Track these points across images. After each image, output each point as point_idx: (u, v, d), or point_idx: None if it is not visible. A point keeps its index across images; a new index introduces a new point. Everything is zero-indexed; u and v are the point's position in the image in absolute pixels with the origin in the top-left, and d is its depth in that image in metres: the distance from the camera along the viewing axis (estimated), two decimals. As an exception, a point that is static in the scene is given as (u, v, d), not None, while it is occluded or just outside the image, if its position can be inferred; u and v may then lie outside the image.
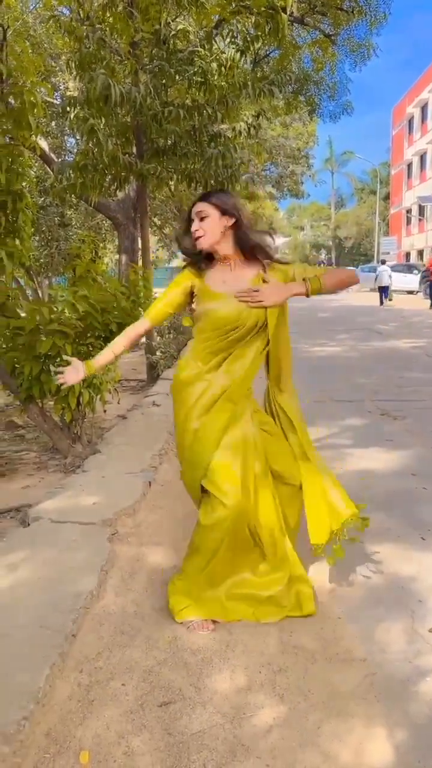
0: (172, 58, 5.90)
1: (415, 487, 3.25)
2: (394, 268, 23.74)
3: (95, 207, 10.31)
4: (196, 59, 5.90)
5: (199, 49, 6.06)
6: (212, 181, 6.48)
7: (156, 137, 6.23)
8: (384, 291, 19.56)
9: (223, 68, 6.35)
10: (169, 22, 6.51)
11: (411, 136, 38.57)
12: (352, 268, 38.78)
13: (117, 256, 13.14)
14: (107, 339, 3.76)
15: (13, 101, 3.74)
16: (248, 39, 6.41)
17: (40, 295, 11.42)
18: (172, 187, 7.30)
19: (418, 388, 5.90)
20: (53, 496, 3.01)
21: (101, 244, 14.78)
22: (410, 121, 38.63)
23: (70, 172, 6.20)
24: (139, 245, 8.45)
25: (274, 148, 21.22)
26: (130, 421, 4.65)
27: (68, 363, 2.07)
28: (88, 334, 3.70)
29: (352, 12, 10.08)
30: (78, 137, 7.31)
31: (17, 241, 3.80)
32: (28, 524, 2.74)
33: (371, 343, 9.81)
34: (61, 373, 2.01)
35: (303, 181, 25.48)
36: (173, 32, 6.13)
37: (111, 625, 2.02)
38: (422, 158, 36.64)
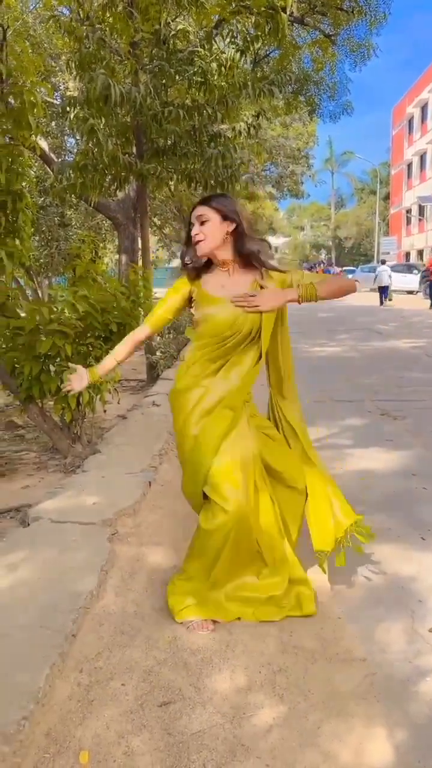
0: (172, 58, 5.90)
1: (415, 487, 3.25)
2: (393, 268, 23.73)
3: (95, 207, 10.32)
4: (196, 59, 5.90)
5: (199, 49, 6.06)
6: (212, 181, 6.48)
7: (156, 137, 6.23)
8: (384, 291, 19.55)
9: (223, 68, 6.35)
10: (169, 22, 6.51)
11: (411, 136, 38.58)
12: (352, 268, 38.97)
13: (117, 256, 13.14)
14: (107, 339, 3.77)
15: (13, 101, 3.74)
16: (248, 39, 6.41)
17: (40, 295, 11.42)
18: (172, 187, 7.29)
19: (418, 388, 5.90)
20: (53, 496, 3.00)
21: (101, 244, 14.79)
22: (410, 121, 38.64)
23: (70, 172, 6.20)
24: (139, 245, 8.46)
25: (274, 148, 21.22)
26: (130, 421, 4.65)
27: (74, 370, 2.11)
28: (88, 334, 3.70)
29: (352, 12, 10.08)
30: (78, 137, 7.31)
31: (17, 241, 3.79)
32: (28, 524, 2.73)
33: (371, 343, 9.81)
34: (66, 370, 2.05)
35: (303, 181, 25.51)
36: (173, 32, 6.13)
37: (111, 625, 2.02)
38: (422, 158, 36.65)
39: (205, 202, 1.96)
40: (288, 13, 6.06)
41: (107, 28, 5.91)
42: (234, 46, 6.45)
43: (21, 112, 3.63)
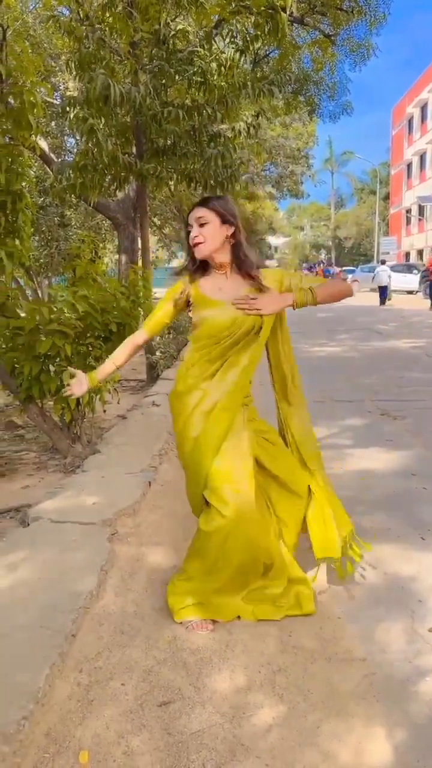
0: (171, 58, 5.90)
1: (415, 487, 3.25)
2: (393, 268, 23.72)
3: (95, 207, 10.30)
4: (195, 59, 5.90)
5: (199, 49, 6.06)
6: (212, 181, 6.48)
7: (156, 137, 6.22)
8: (383, 291, 19.54)
9: (222, 68, 6.35)
10: (169, 22, 6.50)
11: (411, 136, 38.58)
12: (351, 268, 38.96)
13: (117, 256, 13.13)
14: (107, 339, 3.77)
15: (12, 101, 3.74)
16: (248, 39, 6.41)
17: (40, 295, 11.42)
18: (172, 187, 7.29)
19: (418, 388, 5.90)
20: (53, 496, 3.00)
21: (101, 244, 14.77)
22: (410, 121, 38.63)
23: (70, 172, 6.20)
24: (139, 245, 8.45)
25: (273, 148, 21.22)
26: (129, 421, 4.65)
27: (73, 375, 2.11)
28: (88, 334, 3.70)
29: (352, 12, 10.07)
30: (77, 137, 7.31)
31: (17, 241, 3.79)
32: (28, 524, 2.73)
33: (371, 343, 9.81)
34: (65, 370, 2.05)
35: (303, 181, 25.50)
36: (173, 32, 6.12)
37: (111, 625, 2.02)
38: (422, 158, 36.65)
39: (204, 203, 1.95)
40: (288, 13, 6.05)
41: (107, 28, 5.91)
42: (234, 46, 6.45)
43: (21, 112, 3.63)
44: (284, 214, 61.43)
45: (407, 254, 38.44)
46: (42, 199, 10.73)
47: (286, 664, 1.83)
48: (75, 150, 10.81)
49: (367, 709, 1.63)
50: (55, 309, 3.54)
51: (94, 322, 3.65)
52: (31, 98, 3.59)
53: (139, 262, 7.81)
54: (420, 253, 36.11)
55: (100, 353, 3.70)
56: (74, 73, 5.84)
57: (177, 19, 7.18)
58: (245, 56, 6.76)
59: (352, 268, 40.20)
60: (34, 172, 9.15)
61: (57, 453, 4.01)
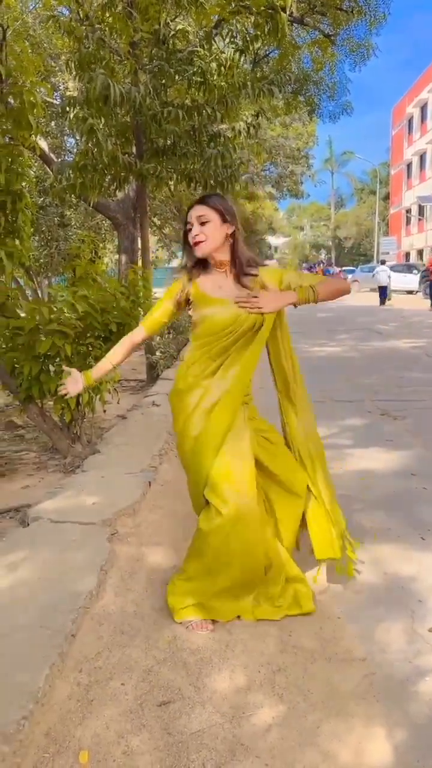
0: (171, 58, 5.90)
1: (415, 487, 3.25)
2: (393, 268, 23.73)
3: (95, 207, 10.32)
4: (195, 59, 5.90)
5: (199, 49, 6.06)
6: (212, 181, 6.48)
7: (155, 137, 6.23)
8: (383, 291, 19.56)
9: (222, 68, 6.35)
10: (169, 22, 6.51)
11: (411, 136, 38.58)
12: (351, 268, 38.98)
13: (117, 256, 13.14)
14: (107, 339, 3.76)
15: (12, 101, 3.74)
16: (248, 39, 6.42)
17: (40, 295, 11.42)
18: (172, 187, 7.29)
19: (418, 388, 5.90)
20: (53, 496, 3.01)
21: (101, 244, 14.77)
22: (410, 121, 38.64)
23: (70, 172, 6.20)
24: (139, 245, 8.46)
25: (273, 148, 21.22)
26: (129, 421, 4.65)
27: (68, 374, 2.10)
28: (88, 334, 3.70)
29: (352, 12, 10.08)
30: (77, 137, 7.31)
31: (17, 241, 3.79)
32: (28, 524, 2.74)
33: (371, 343, 9.81)
34: (63, 377, 2.05)
35: (303, 181, 25.50)
36: (173, 32, 6.13)
37: (110, 624, 2.02)
38: (422, 158, 36.65)
39: (204, 202, 1.94)
40: (288, 13, 6.05)
41: (107, 28, 5.91)
42: (233, 46, 6.45)
43: (21, 112, 3.63)
44: (284, 214, 61.45)
45: (407, 254, 38.44)
46: (42, 199, 10.73)
47: (286, 664, 1.82)
48: (75, 150, 10.81)
49: (367, 709, 1.63)
50: (55, 309, 3.54)
51: (94, 322, 3.65)
52: (31, 98, 3.60)
53: (139, 262, 7.81)
54: (420, 253, 36.11)
55: (100, 353, 3.69)
56: (74, 73, 5.84)
57: (177, 19, 7.18)
58: (245, 56, 6.77)
59: (351, 268, 40.22)
60: (34, 172, 9.16)
61: (57, 453, 4.01)
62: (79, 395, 3.60)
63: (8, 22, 6.47)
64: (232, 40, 6.47)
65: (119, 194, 9.40)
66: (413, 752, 1.48)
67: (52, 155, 9.95)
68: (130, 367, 7.78)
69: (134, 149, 6.49)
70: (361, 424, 4.61)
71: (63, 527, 2.62)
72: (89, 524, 2.64)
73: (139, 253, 8.25)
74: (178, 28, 6.32)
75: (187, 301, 2.03)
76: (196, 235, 1.92)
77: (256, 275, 1.98)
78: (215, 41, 6.65)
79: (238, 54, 6.43)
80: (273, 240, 58.75)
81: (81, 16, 5.88)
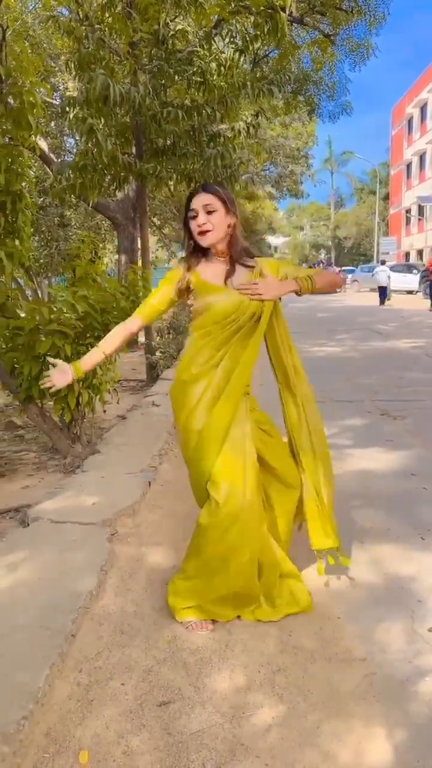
0: (171, 58, 5.90)
1: (415, 487, 3.25)
2: (393, 268, 23.74)
3: (94, 207, 10.32)
4: (195, 59, 5.90)
5: (199, 49, 6.06)
6: (211, 181, 6.47)
7: (155, 137, 6.23)
8: (382, 291, 19.57)
9: (222, 68, 6.35)
10: (168, 23, 6.51)
11: (410, 136, 38.59)
12: (351, 268, 38.99)
13: (116, 257, 13.14)
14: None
15: (12, 101, 3.74)
16: (247, 39, 6.41)
17: (40, 295, 11.42)
18: (172, 187, 7.28)
19: (418, 388, 5.90)
20: (53, 497, 3.01)
21: (101, 245, 14.78)
22: (410, 121, 38.64)
23: (70, 172, 6.20)
24: (139, 245, 8.46)
25: (273, 148, 21.20)
26: (129, 421, 4.65)
27: (54, 365, 2.01)
28: (88, 335, 3.70)
29: (351, 12, 10.08)
30: (77, 137, 7.31)
31: (17, 242, 3.79)
32: (28, 524, 2.74)
33: (371, 343, 9.81)
34: (48, 377, 1.98)
35: (302, 181, 25.49)
36: (172, 32, 6.12)
37: (110, 625, 2.02)
38: (421, 158, 36.66)
39: (209, 190, 1.92)
40: (287, 12, 6.05)
41: (106, 29, 5.91)
42: (233, 46, 6.45)
43: (20, 112, 3.63)
44: (284, 213, 61.45)
45: (407, 254, 38.45)
46: (42, 199, 10.74)
47: (286, 664, 1.83)
48: (75, 150, 10.81)
49: (367, 709, 1.63)
50: (54, 309, 3.54)
51: (94, 322, 3.65)
52: (31, 98, 3.59)
53: (139, 262, 7.82)
54: (420, 253, 36.12)
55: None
56: (74, 73, 5.84)
57: (176, 20, 7.19)
58: (245, 56, 6.77)
59: (351, 268, 40.21)
60: (34, 172, 9.16)
61: (57, 453, 4.01)
62: (79, 395, 3.60)
63: (8, 22, 6.47)
64: (231, 40, 6.46)
65: (119, 194, 9.40)
66: (413, 752, 1.48)
67: (51, 155, 9.95)
68: (129, 367, 7.78)
69: (134, 149, 6.49)
70: (361, 424, 4.61)
71: (63, 527, 2.62)
72: (89, 524, 2.64)
73: (139, 253, 8.25)
74: (177, 28, 6.32)
75: (188, 290, 1.99)
76: (204, 224, 1.90)
77: (253, 266, 1.98)
78: (215, 41, 6.65)
79: (237, 54, 6.43)
80: (273, 240, 58.78)
81: (81, 16, 5.88)
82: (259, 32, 6.09)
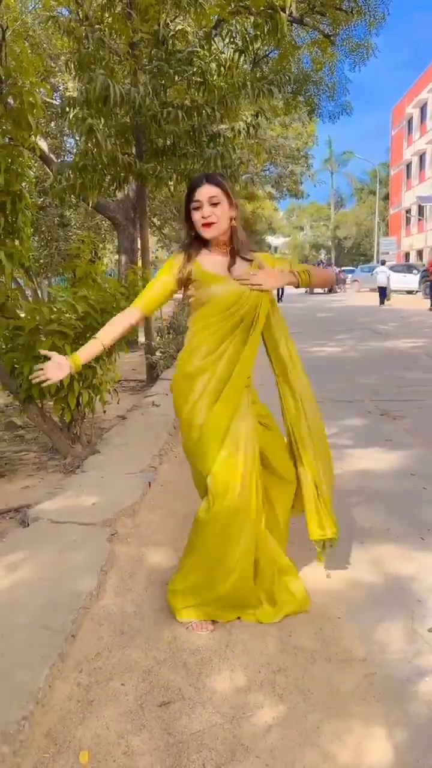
0: (171, 58, 5.90)
1: (415, 487, 3.25)
2: (393, 269, 23.76)
3: (94, 207, 10.31)
4: (195, 59, 5.90)
5: (198, 49, 6.06)
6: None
7: (155, 137, 6.23)
8: (382, 291, 19.59)
9: (222, 68, 6.35)
10: (168, 23, 6.51)
11: (410, 136, 38.59)
12: (351, 268, 39.02)
13: (116, 257, 13.15)
14: (107, 339, 3.76)
15: (12, 102, 3.74)
16: (247, 39, 6.41)
17: (40, 295, 11.42)
18: (172, 188, 7.28)
19: (418, 388, 5.90)
20: (53, 497, 3.01)
21: (101, 245, 14.79)
22: (409, 122, 38.64)
23: (70, 172, 6.19)
24: (139, 245, 8.46)
25: (273, 148, 21.21)
26: (129, 421, 4.65)
27: (48, 357, 1.91)
28: (88, 335, 3.70)
29: (351, 12, 10.09)
30: (77, 137, 7.32)
31: (17, 242, 3.79)
32: (28, 525, 2.74)
33: (371, 343, 9.81)
34: (41, 369, 1.87)
35: (302, 181, 25.49)
36: (172, 33, 6.13)
37: (110, 625, 2.02)
38: (421, 158, 36.66)
39: (214, 182, 1.90)
40: (287, 13, 6.05)
41: (106, 29, 5.91)
42: (233, 47, 6.45)
43: (20, 112, 3.63)
44: (284, 214, 61.47)
45: (407, 254, 38.46)
46: (42, 199, 10.74)
47: (286, 664, 1.83)
48: (74, 150, 10.81)
49: (367, 709, 1.63)
50: (55, 309, 3.54)
51: (94, 322, 3.65)
52: (31, 99, 3.59)
53: (139, 263, 7.81)
54: (420, 253, 36.12)
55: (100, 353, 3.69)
56: (74, 73, 5.85)
57: (176, 20, 7.19)
58: (245, 56, 6.76)
59: (351, 268, 40.24)
60: (34, 172, 9.15)
61: (57, 453, 4.01)
62: (79, 396, 3.60)
63: (8, 22, 6.47)
64: (231, 40, 6.46)
65: (119, 195, 9.40)
66: (413, 752, 1.48)
67: (51, 156, 9.95)
68: (129, 367, 7.78)
69: (134, 149, 6.49)
70: (360, 424, 4.61)
71: (63, 527, 2.62)
72: (89, 524, 2.64)
73: (139, 253, 8.25)
74: (177, 28, 6.32)
75: (188, 281, 1.96)
76: (209, 216, 1.88)
77: (252, 260, 1.99)
78: (215, 41, 6.65)
79: (237, 54, 6.43)
80: (273, 240, 58.78)
81: (80, 16, 5.89)
82: (259, 32, 6.09)
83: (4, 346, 3.60)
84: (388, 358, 8.05)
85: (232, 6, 6.03)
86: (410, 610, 2.08)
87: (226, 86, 6.21)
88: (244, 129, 6.92)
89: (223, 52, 6.61)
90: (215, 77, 6.27)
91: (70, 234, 12.17)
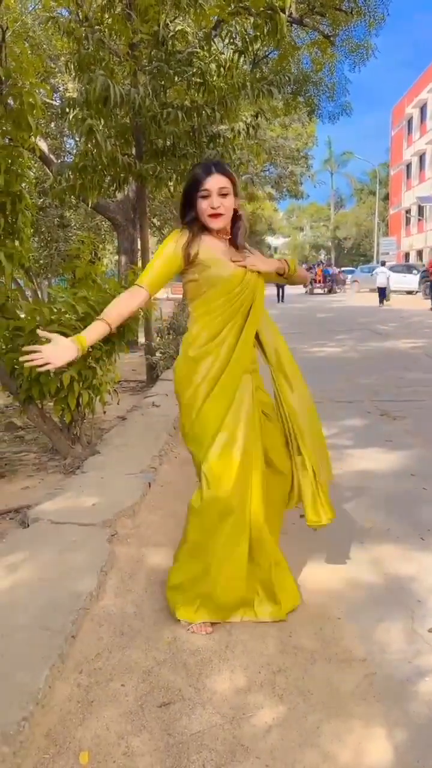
0: (171, 59, 5.91)
1: (415, 488, 3.25)
2: (393, 269, 23.79)
3: (94, 208, 10.32)
4: (195, 60, 5.90)
5: (198, 50, 6.06)
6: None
7: (155, 138, 6.23)
8: (382, 292, 19.60)
9: (222, 69, 6.35)
10: (168, 24, 6.51)
11: (410, 136, 38.61)
12: (351, 268, 39.08)
13: (116, 257, 13.15)
14: (107, 340, 3.76)
15: (12, 102, 3.74)
16: (247, 40, 6.41)
17: (40, 296, 11.42)
18: (171, 188, 7.28)
19: (418, 389, 5.90)
20: (53, 497, 3.01)
21: (100, 245, 14.79)
22: (409, 122, 38.67)
23: (69, 173, 6.20)
24: (139, 246, 8.46)
25: (273, 148, 21.23)
26: (129, 422, 4.65)
27: (47, 340, 1.77)
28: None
29: (351, 13, 10.08)
30: (77, 138, 7.32)
31: (17, 243, 3.79)
32: (28, 525, 2.74)
33: (371, 343, 9.81)
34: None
35: (302, 182, 25.54)
36: (172, 33, 6.13)
37: (110, 625, 2.02)
38: (421, 159, 36.68)
39: (223, 171, 1.89)
40: (287, 13, 6.05)
41: (106, 30, 5.91)
42: (233, 47, 6.45)
43: (20, 113, 3.63)
44: (284, 214, 61.51)
45: (407, 255, 38.47)
46: (41, 200, 10.74)
47: (286, 664, 1.83)
48: (74, 151, 10.81)
49: (367, 709, 1.63)
50: (55, 310, 3.55)
51: (94, 323, 3.65)
52: (31, 99, 3.60)
53: (139, 263, 7.82)
54: (419, 253, 36.13)
55: (100, 354, 3.70)
56: (74, 74, 5.85)
57: (176, 21, 7.19)
58: (244, 57, 6.76)
59: (351, 268, 40.26)
60: (34, 173, 9.15)
61: (57, 454, 4.01)
62: (78, 396, 3.60)
63: (8, 23, 6.48)
64: (231, 41, 6.47)
65: (119, 195, 9.40)
66: (413, 752, 1.48)
67: (51, 156, 9.95)
68: (129, 368, 7.78)
69: (134, 150, 6.49)
70: (360, 424, 4.61)
71: (63, 528, 2.62)
72: (89, 525, 2.64)
73: (139, 254, 8.25)
74: (177, 29, 6.33)
75: (191, 262, 1.92)
76: (218, 207, 1.88)
77: (246, 245, 2.04)
78: (214, 42, 6.65)
79: (237, 55, 6.43)
80: (273, 240, 58.86)
81: (80, 17, 5.89)
82: (258, 33, 6.09)
83: (4, 347, 3.61)
84: (388, 359, 8.05)
85: (232, 7, 6.03)
86: (410, 611, 2.08)
87: (225, 87, 6.21)
88: (243, 129, 6.92)
89: (223, 53, 6.61)
90: (215, 78, 6.27)
91: (70, 235, 12.18)
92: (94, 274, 4.08)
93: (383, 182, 45.86)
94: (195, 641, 1.94)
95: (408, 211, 38.80)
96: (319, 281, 30.97)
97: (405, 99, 38.99)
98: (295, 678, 1.76)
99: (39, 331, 1.82)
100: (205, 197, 1.88)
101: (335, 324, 13.35)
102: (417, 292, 24.65)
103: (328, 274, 31.26)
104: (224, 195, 1.88)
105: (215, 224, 1.91)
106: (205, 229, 1.97)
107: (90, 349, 3.72)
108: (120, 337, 3.81)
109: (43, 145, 9.34)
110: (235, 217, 1.98)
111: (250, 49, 6.64)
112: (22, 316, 3.67)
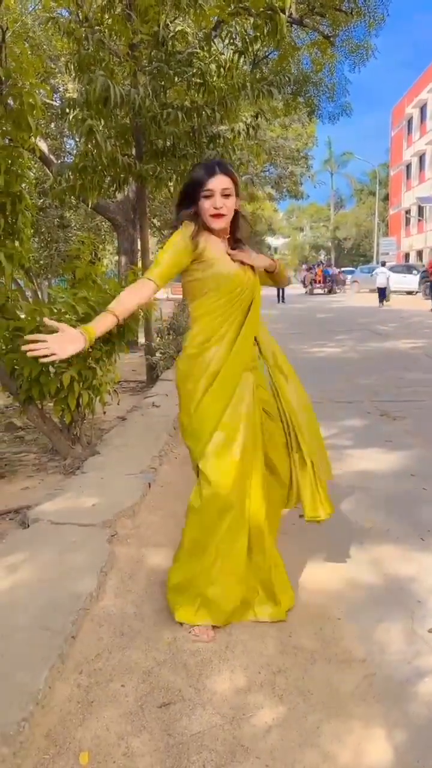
0: (171, 59, 5.91)
1: (415, 488, 3.25)
2: (393, 269, 23.80)
3: (94, 208, 10.32)
4: (195, 61, 5.91)
5: (198, 50, 6.07)
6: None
7: (155, 139, 6.23)
8: (382, 292, 19.61)
9: (221, 69, 6.36)
10: (168, 24, 6.51)
11: (410, 136, 38.62)
12: (351, 269, 39.11)
13: (116, 258, 13.15)
14: (107, 340, 3.77)
15: (12, 103, 3.74)
16: (247, 40, 6.41)
17: (40, 296, 11.42)
18: (171, 189, 7.29)
19: (418, 389, 5.90)
20: (53, 498, 3.01)
21: (100, 246, 14.79)
22: (409, 122, 38.68)
23: (69, 173, 6.20)
24: (139, 247, 8.46)
25: (273, 149, 21.23)
26: (129, 422, 4.65)
27: (52, 329, 1.73)
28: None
29: (351, 13, 10.09)
30: (77, 139, 7.32)
31: (17, 243, 3.79)
32: (28, 526, 2.74)
33: (371, 343, 9.81)
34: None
35: (302, 182, 25.54)
36: (172, 34, 6.13)
37: (110, 626, 2.02)
38: (421, 159, 36.69)
39: (227, 172, 1.90)
40: (287, 14, 6.05)
41: (106, 30, 5.91)
42: (233, 48, 6.45)
43: (20, 113, 3.64)
44: (283, 215, 61.53)
45: (407, 255, 38.48)
46: (41, 200, 10.75)
47: (286, 665, 1.83)
48: (74, 151, 10.82)
49: (367, 709, 1.63)
50: (55, 310, 3.55)
51: (94, 323, 3.65)
52: (31, 100, 3.60)
53: (139, 264, 7.82)
54: (419, 253, 36.13)
55: (100, 354, 3.70)
56: (74, 74, 5.85)
57: (176, 21, 7.19)
58: (244, 57, 6.76)
59: (351, 268, 40.26)
60: (34, 173, 9.15)
61: (57, 454, 4.01)
62: (79, 396, 3.60)
63: (8, 23, 6.48)
64: (231, 41, 6.47)
65: (119, 196, 9.40)
66: (413, 752, 1.49)
67: (51, 157, 9.95)
68: (129, 368, 7.78)
69: (134, 151, 6.49)
70: (360, 424, 4.61)
71: (63, 529, 2.62)
72: (89, 526, 2.64)
73: (139, 254, 8.26)
74: (177, 29, 6.33)
75: (195, 259, 1.93)
76: (221, 207, 1.88)
77: (242, 244, 2.06)
78: (214, 43, 6.65)
79: (237, 55, 6.43)
80: (272, 241, 58.86)
81: (80, 17, 5.89)
82: (258, 34, 6.09)
83: (4, 347, 3.61)
84: (387, 359, 8.05)
85: (232, 7, 6.03)
86: (410, 611, 2.08)
87: (225, 87, 6.21)
88: (243, 130, 6.93)
89: (223, 53, 6.61)
90: (215, 78, 6.28)
91: (70, 235, 12.18)
92: (94, 275, 4.08)
93: (383, 183, 45.87)
94: (195, 641, 1.94)
95: (408, 212, 38.81)
96: (319, 281, 30.99)
97: (405, 99, 39.00)
98: (295, 678, 1.76)
99: (46, 320, 1.76)
100: (208, 197, 1.89)
101: (335, 324, 13.35)
102: (417, 292, 24.65)
103: (328, 274, 31.26)
104: (227, 196, 1.89)
105: (217, 224, 1.92)
106: (205, 227, 1.97)
107: (90, 350, 3.74)
108: (120, 337, 3.81)
109: (43, 145, 9.34)
110: (236, 217, 1.99)
111: (250, 49, 6.64)
112: (22, 316, 3.67)
